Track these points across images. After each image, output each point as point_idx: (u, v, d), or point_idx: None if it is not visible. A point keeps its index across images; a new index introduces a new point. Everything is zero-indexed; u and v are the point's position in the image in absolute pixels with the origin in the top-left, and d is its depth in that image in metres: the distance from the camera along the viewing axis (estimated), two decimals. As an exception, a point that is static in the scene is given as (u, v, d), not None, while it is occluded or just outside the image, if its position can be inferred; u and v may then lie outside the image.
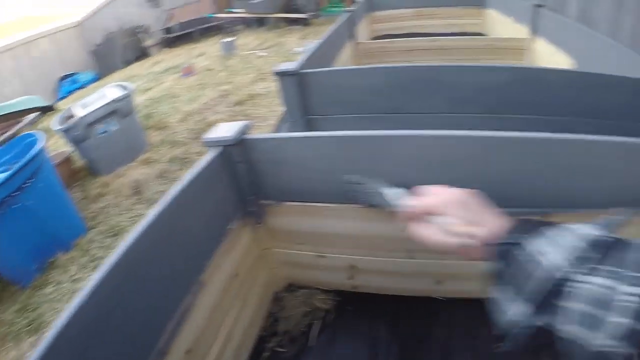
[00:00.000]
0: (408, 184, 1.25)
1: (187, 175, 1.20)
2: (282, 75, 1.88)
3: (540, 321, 0.58)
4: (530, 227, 0.67)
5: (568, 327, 0.54)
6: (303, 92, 1.91)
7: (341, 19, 3.42)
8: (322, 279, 1.66)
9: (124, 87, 4.32)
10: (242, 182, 1.40)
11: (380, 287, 1.63)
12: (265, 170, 1.39)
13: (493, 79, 1.95)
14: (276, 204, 1.45)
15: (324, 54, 2.65)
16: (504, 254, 0.65)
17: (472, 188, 0.87)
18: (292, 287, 1.71)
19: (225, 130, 1.34)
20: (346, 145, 1.25)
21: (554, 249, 0.58)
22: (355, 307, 1.61)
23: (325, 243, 1.51)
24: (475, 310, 1.56)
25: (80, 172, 4.41)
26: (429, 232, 0.81)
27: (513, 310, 0.62)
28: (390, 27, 5.22)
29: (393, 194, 1.05)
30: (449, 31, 5.18)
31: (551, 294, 0.55)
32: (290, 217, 1.47)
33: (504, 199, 1.24)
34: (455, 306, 1.58)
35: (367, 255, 1.50)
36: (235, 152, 1.34)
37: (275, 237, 1.56)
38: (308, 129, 1.96)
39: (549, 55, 3.67)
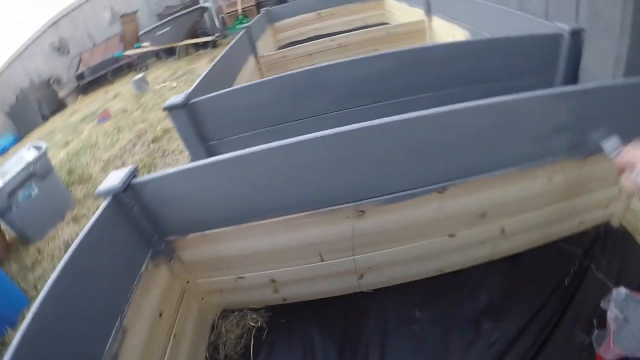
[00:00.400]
0: (306, 189, 1.33)
1: (84, 229, 1.20)
2: (170, 110, 1.88)
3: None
4: None
5: None
6: (196, 122, 1.93)
7: (239, 36, 3.44)
8: (251, 298, 1.70)
9: (38, 148, 4.15)
10: (141, 225, 1.41)
11: (307, 294, 1.68)
12: (160, 208, 1.40)
13: (376, 69, 2.01)
14: (181, 238, 1.47)
15: (223, 75, 2.67)
16: None
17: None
18: (226, 312, 1.73)
19: (114, 179, 1.35)
20: (224, 168, 1.28)
21: None
22: (287, 319, 1.65)
23: (239, 264, 1.54)
24: (403, 295, 1.65)
25: (13, 244, 4.22)
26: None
27: None
28: (294, 34, 5.30)
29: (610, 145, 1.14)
30: (352, 27, 5.34)
31: None
32: (198, 247, 1.49)
33: (400, 182, 1.37)
34: (384, 296, 1.65)
35: (283, 267, 1.54)
36: (126, 198, 1.34)
37: (191, 269, 1.57)
38: (209, 156, 1.96)
39: (446, 31, 3.86)
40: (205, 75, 2.33)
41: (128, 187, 1.34)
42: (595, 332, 1.38)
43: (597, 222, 1.73)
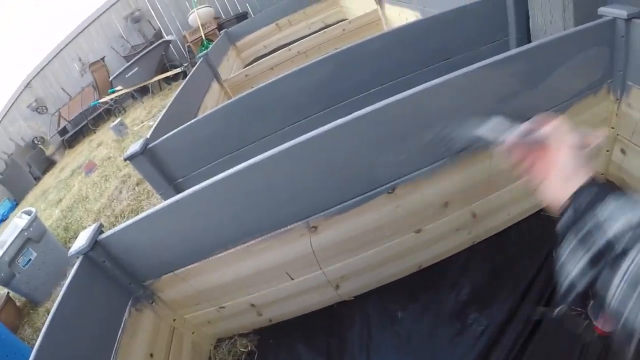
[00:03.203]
0: (257, 214, 1.37)
1: (61, 291, 1.26)
2: (131, 159, 1.92)
3: (590, 280, 0.60)
4: (601, 190, 0.65)
5: (612, 296, 0.56)
6: (159, 164, 1.97)
7: (197, 66, 3.48)
8: (239, 324, 1.74)
9: (29, 213, 4.25)
10: (115, 276, 1.45)
11: (290, 312, 1.71)
12: (129, 257, 1.44)
13: (318, 75, 2.04)
14: (156, 280, 1.52)
15: (184, 109, 2.71)
16: (577, 209, 0.64)
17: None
18: (219, 342, 1.78)
19: (81, 239, 1.40)
20: (177, 210, 1.33)
21: (621, 218, 0.59)
22: (275, 339, 1.69)
23: (216, 295, 1.58)
24: (385, 297, 1.66)
25: (24, 308, 4.32)
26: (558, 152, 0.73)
27: (575, 268, 0.62)
28: (258, 49, 5.33)
29: (492, 128, 0.89)
30: (313, 30, 5.37)
31: (608, 260, 0.57)
32: (174, 286, 1.53)
33: (346, 190, 1.39)
34: (365, 302, 1.67)
35: (257, 291, 1.58)
36: (95, 255, 1.39)
37: (175, 307, 1.61)
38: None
39: (398, 16, 3.91)
40: (164, 114, 2.37)
41: (95, 244, 1.39)
42: (591, 302, 1.30)
43: None
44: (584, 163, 0.72)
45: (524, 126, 0.78)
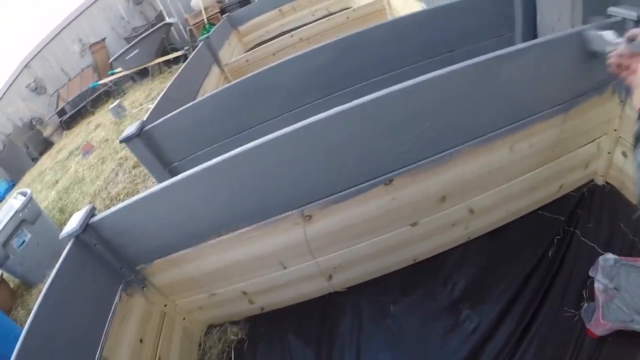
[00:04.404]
0: (251, 201, 1.35)
1: (52, 273, 1.24)
2: (127, 141, 1.89)
3: None
4: None
5: None
6: (154, 147, 1.95)
7: (197, 50, 3.43)
8: (230, 311, 1.72)
9: (24, 194, 4.23)
10: (106, 260, 1.43)
11: (282, 301, 1.70)
12: (121, 241, 1.42)
13: (318, 62, 2.00)
14: (147, 265, 1.50)
15: (183, 92, 2.67)
16: None
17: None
18: (210, 328, 1.77)
19: (73, 221, 1.38)
20: (171, 193, 1.30)
21: None
22: (266, 328, 1.68)
23: (208, 282, 1.56)
24: (377, 290, 1.65)
25: (18, 290, 4.31)
26: None
27: None
28: (261, 35, 5.26)
29: (609, 36, 1.06)
30: (317, 17, 5.31)
31: None
32: (166, 271, 1.51)
33: (343, 180, 1.36)
34: (358, 293, 1.66)
35: (250, 279, 1.56)
36: (87, 238, 1.37)
37: (166, 293, 1.60)
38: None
39: (403, 6, 3.86)
40: (162, 97, 2.33)
41: (87, 227, 1.37)
42: (585, 305, 1.30)
43: (579, 184, 1.67)
44: None
45: (630, 33, 0.85)
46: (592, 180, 1.67)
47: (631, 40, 0.85)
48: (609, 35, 1.03)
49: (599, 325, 1.20)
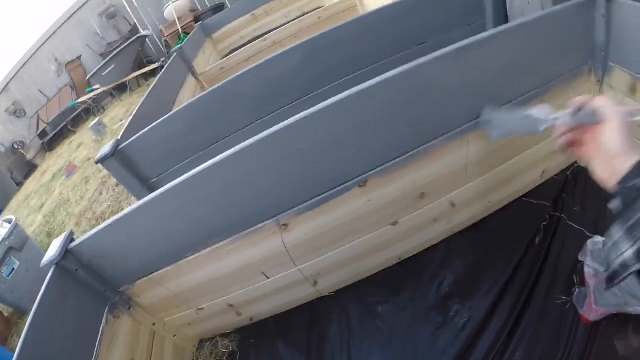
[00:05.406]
0: (225, 214, 1.33)
1: (36, 302, 1.23)
2: (102, 162, 1.86)
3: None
4: None
5: None
6: (131, 165, 1.92)
7: (170, 61, 3.39)
8: (220, 324, 1.72)
9: (9, 221, 4.19)
10: (89, 284, 1.42)
11: (269, 310, 1.70)
12: (102, 264, 1.41)
13: (288, 64, 1.99)
14: (131, 286, 1.48)
15: (158, 106, 2.64)
16: (627, 195, 0.66)
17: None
18: (202, 343, 1.76)
19: (53, 249, 1.37)
20: (144, 213, 1.29)
21: None
22: (255, 338, 1.68)
23: (193, 297, 1.55)
24: (364, 291, 1.64)
25: (12, 318, 4.27)
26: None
27: (627, 252, 0.63)
28: (235, 41, 5.24)
29: (541, 113, 0.88)
30: (290, 19, 5.28)
31: None
32: (150, 290, 1.50)
33: (316, 186, 1.36)
34: (345, 296, 1.65)
35: (234, 291, 1.55)
36: (67, 264, 1.35)
37: (153, 311, 1.59)
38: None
39: (374, 1, 3.84)
40: (136, 113, 2.30)
41: (67, 253, 1.36)
42: (576, 290, 1.28)
43: (562, 167, 1.66)
44: (631, 139, 0.70)
45: (572, 106, 0.77)
46: (575, 163, 1.67)
47: (577, 111, 0.76)
48: (543, 111, 0.87)
49: (592, 311, 1.18)
